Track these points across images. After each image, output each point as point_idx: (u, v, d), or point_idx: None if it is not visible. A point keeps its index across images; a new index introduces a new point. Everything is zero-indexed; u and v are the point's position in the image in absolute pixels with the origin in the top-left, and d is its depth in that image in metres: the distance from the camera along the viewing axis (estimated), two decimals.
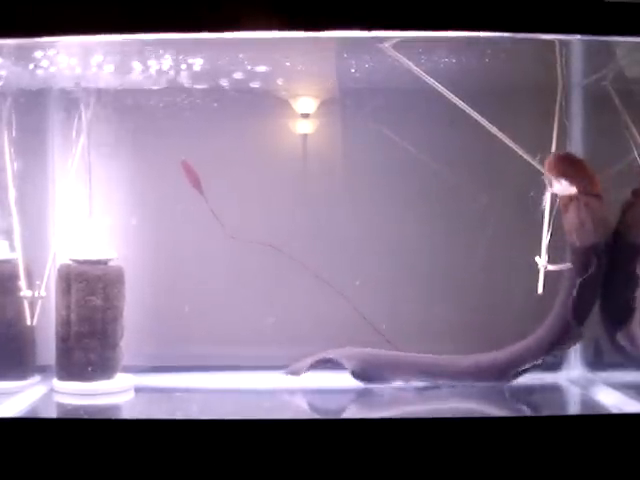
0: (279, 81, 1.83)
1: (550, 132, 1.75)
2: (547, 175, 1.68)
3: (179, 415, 1.58)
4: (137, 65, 1.67)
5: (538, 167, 1.71)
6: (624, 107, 1.76)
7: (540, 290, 1.72)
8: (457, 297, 1.88)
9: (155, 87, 1.80)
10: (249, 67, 1.71)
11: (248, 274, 1.89)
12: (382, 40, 1.52)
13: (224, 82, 1.79)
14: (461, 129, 1.84)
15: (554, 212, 1.72)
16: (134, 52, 1.60)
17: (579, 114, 1.88)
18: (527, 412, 1.67)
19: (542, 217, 1.74)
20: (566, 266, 1.69)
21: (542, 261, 1.72)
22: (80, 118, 1.82)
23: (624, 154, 1.81)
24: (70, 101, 1.84)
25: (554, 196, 1.72)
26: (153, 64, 1.66)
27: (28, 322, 1.74)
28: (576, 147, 1.88)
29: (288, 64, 1.70)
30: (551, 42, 1.55)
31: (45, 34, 1.40)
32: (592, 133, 1.88)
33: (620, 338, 1.68)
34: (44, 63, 1.64)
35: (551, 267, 1.71)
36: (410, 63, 1.61)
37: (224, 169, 1.87)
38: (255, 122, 1.89)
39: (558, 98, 1.74)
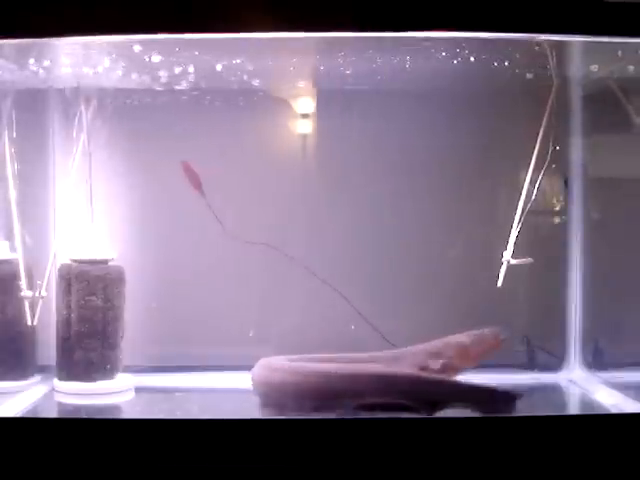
0: (279, 81, 1.83)
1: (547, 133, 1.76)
2: None
3: (179, 415, 1.58)
4: (137, 65, 1.68)
5: None
6: (631, 107, 1.77)
7: (499, 284, 1.72)
8: (457, 296, 1.88)
9: (155, 87, 1.80)
10: (249, 67, 1.71)
11: (248, 275, 1.90)
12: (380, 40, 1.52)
13: (224, 82, 1.79)
14: (459, 129, 1.85)
15: (526, 208, 1.72)
16: (134, 52, 1.60)
17: (579, 114, 1.89)
18: (527, 412, 1.67)
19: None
20: (527, 260, 1.69)
21: (507, 255, 1.72)
22: (80, 118, 1.82)
23: (624, 155, 1.82)
24: (70, 101, 1.84)
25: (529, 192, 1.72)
26: (153, 64, 1.66)
27: (29, 322, 1.74)
28: (575, 147, 1.89)
29: (288, 64, 1.70)
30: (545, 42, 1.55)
31: (45, 34, 1.41)
32: (592, 133, 1.89)
33: None
34: (44, 63, 1.64)
35: (513, 261, 1.71)
36: None
37: (224, 169, 1.87)
38: (255, 122, 1.89)
39: (551, 97, 1.74)
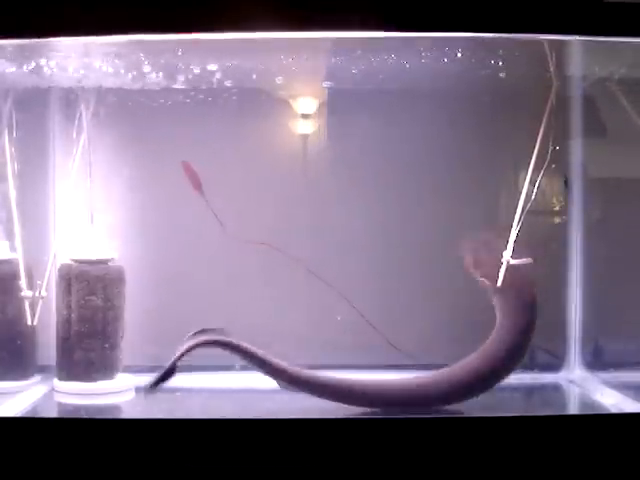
0: (278, 81, 1.83)
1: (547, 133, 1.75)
2: None
3: (179, 415, 1.58)
4: (137, 66, 1.68)
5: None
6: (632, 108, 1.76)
7: (499, 283, 1.71)
8: (458, 297, 1.88)
9: (155, 87, 1.80)
10: (249, 67, 1.71)
11: (248, 274, 1.89)
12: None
13: (224, 82, 1.79)
14: (459, 129, 1.85)
15: (527, 207, 1.72)
16: (134, 52, 1.60)
17: (579, 114, 1.89)
18: (527, 412, 1.67)
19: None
20: (527, 260, 1.70)
21: (507, 255, 1.71)
22: (81, 118, 1.82)
23: (624, 155, 1.82)
24: (71, 101, 1.84)
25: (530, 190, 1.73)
26: (153, 65, 1.66)
27: (29, 322, 1.75)
28: (575, 148, 1.89)
29: (288, 64, 1.70)
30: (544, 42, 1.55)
31: (45, 34, 1.41)
32: (592, 133, 1.89)
33: None
34: (45, 63, 1.64)
35: (513, 261, 1.71)
36: None
37: (224, 169, 1.87)
38: (255, 122, 1.89)
39: (550, 98, 1.73)
